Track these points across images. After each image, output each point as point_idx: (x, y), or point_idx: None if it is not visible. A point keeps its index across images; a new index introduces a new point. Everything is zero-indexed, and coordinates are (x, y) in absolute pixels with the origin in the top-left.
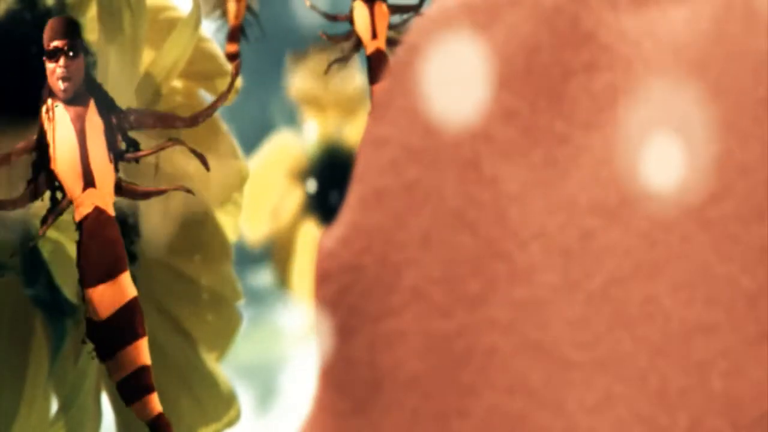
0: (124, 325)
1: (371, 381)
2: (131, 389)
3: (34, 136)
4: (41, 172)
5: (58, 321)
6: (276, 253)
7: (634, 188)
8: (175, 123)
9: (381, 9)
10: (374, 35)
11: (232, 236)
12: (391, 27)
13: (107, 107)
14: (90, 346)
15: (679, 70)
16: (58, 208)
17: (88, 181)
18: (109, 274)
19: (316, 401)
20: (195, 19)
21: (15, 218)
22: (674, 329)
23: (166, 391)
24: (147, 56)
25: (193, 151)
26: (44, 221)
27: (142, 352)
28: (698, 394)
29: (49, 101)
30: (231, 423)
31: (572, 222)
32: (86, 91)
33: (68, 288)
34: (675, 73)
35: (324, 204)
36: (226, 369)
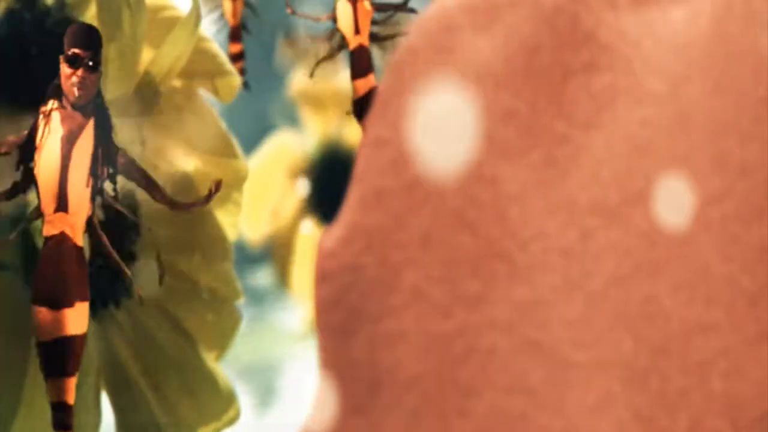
0: (55, 358)
1: (371, 381)
2: (53, 418)
3: (26, 132)
4: (22, 171)
5: None
6: (276, 253)
7: (634, 188)
8: (156, 195)
9: (363, 6)
10: (357, 31)
11: (232, 236)
12: (374, 23)
13: (104, 137)
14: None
15: (679, 70)
16: (32, 214)
17: (62, 205)
18: (55, 303)
19: (316, 401)
20: (194, 18)
21: (10, 213)
22: (674, 329)
23: (166, 390)
24: (146, 55)
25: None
26: (26, 220)
27: (66, 390)
28: (698, 394)
29: (51, 102)
30: (231, 422)
31: (572, 222)
32: (92, 108)
33: None
34: (675, 73)
35: (324, 204)
36: (226, 369)
